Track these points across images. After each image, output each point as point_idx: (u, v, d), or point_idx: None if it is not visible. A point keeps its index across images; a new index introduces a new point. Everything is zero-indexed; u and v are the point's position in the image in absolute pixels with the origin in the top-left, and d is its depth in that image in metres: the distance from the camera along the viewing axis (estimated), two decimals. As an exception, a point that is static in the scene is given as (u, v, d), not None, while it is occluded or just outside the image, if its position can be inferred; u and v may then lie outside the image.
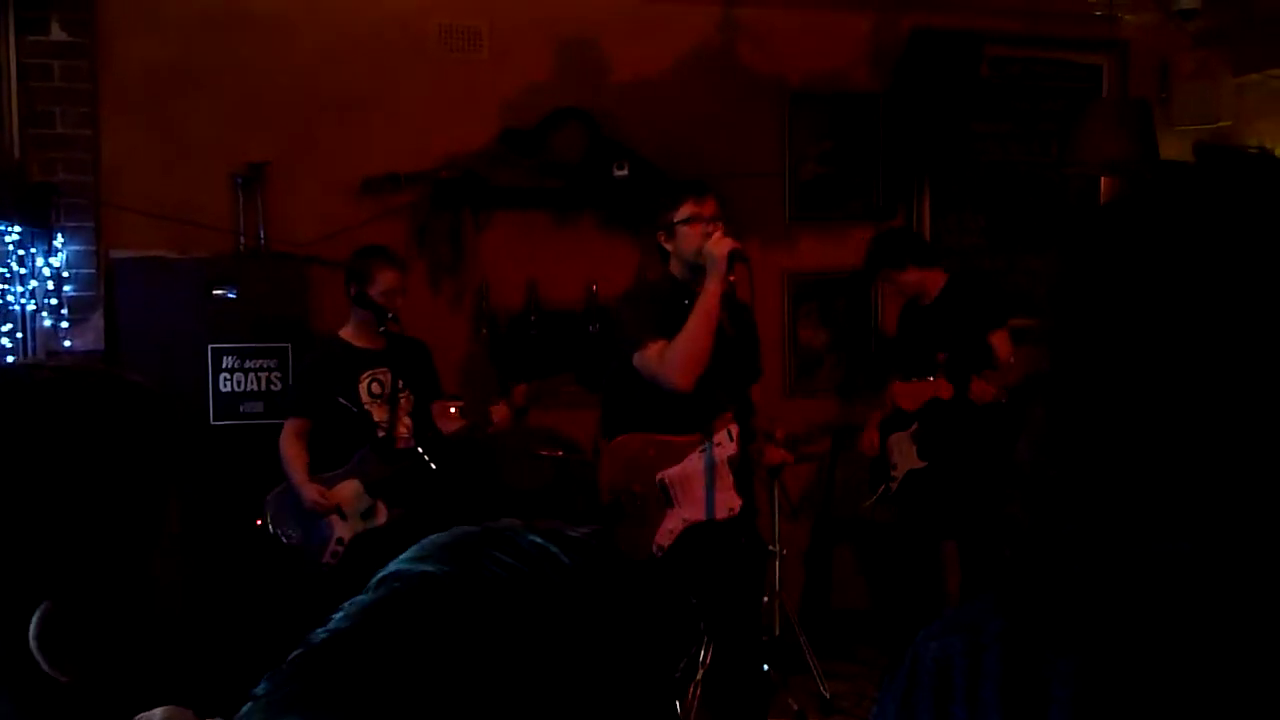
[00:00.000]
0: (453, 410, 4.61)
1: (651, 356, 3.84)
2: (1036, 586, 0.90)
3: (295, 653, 0.60)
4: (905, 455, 4.99)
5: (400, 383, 4.51)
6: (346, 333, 4.53)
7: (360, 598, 0.64)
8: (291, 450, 4.40)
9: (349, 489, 4.40)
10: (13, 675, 0.86)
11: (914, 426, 4.95)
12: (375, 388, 4.48)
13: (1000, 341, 4.91)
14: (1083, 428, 0.90)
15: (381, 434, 4.45)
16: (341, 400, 4.40)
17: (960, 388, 4.64)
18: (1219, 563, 0.83)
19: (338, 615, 0.62)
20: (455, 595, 0.61)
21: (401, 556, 0.67)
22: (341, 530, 4.39)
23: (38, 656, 0.85)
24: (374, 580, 0.67)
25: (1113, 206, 0.96)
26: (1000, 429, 4.71)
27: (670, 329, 3.83)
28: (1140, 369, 0.86)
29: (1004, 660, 0.88)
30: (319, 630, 0.61)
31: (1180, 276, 0.86)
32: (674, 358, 3.80)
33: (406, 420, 4.54)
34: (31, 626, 0.85)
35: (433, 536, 0.69)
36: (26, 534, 0.86)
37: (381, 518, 4.45)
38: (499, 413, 4.55)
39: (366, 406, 4.46)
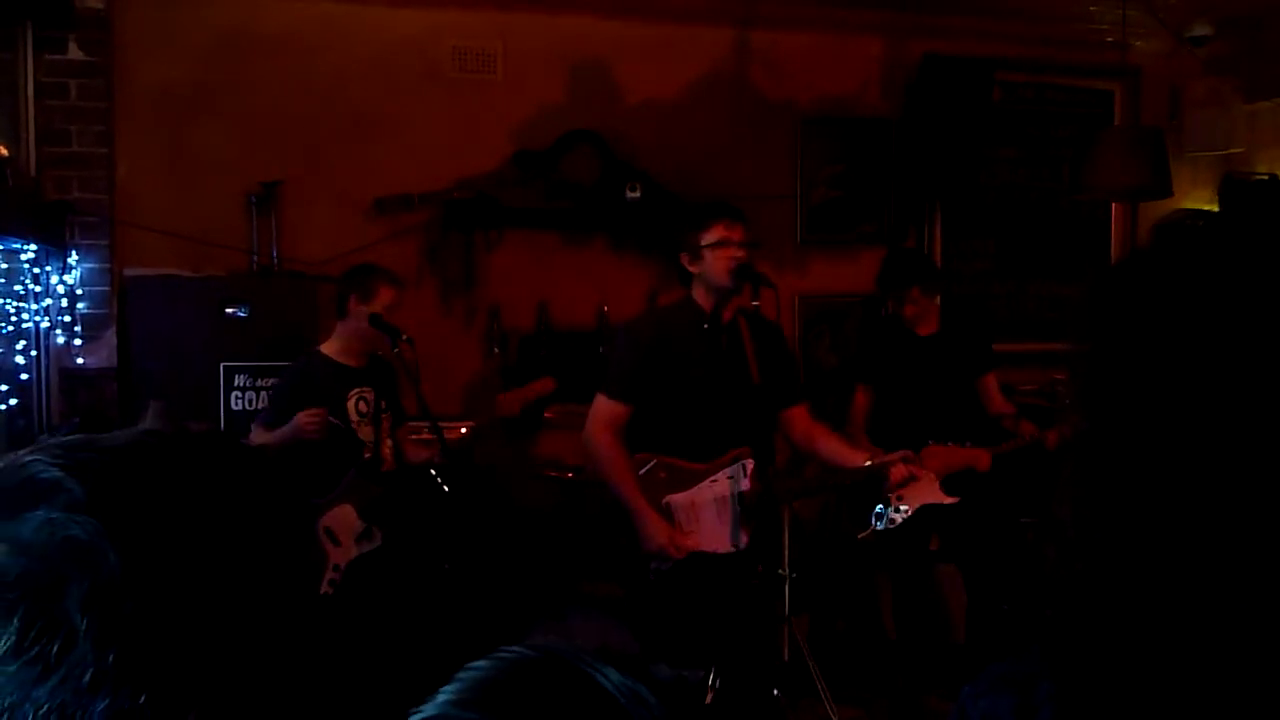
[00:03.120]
0: (425, 436, 4.54)
1: (594, 411, 3.87)
2: (1088, 648, 0.87)
3: None
4: (918, 489, 4.90)
5: (382, 403, 4.43)
6: (330, 349, 4.38)
7: None
8: None
9: (345, 515, 4.26)
10: None
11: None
12: (362, 406, 4.37)
13: (993, 385, 5.04)
14: (1125, 487, 0.86)
15: (368, 454, 4.36)
16: (332, 419, 4.25)
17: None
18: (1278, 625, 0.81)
19: None
20: None
21: (442, 697, 0.58)
22: (337, 557, 4.24)
23: None
24: None
25: (1144, 257, 0.91)
26: (1021, 464, 4.73)
27: (684, 358, 3.80)
28: (1183, 428, 0.83)
29: None
30: None
31: (1221, 330, 0.83)
32: (591, 449, 3.89)
33: (388, 441, 4.46)
34: None
35: (478, 669, 0.58)
36: (187, 630, 0.81)
37: (377, 540, 4.33)
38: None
39: (354, 425, 4.34)
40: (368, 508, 4.31)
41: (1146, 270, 0.90)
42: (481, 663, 0.62)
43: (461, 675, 0.60)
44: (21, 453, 0.85)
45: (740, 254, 3.79)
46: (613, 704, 0.57)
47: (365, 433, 4.37)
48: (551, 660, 0.58)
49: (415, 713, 0.59)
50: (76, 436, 0.87)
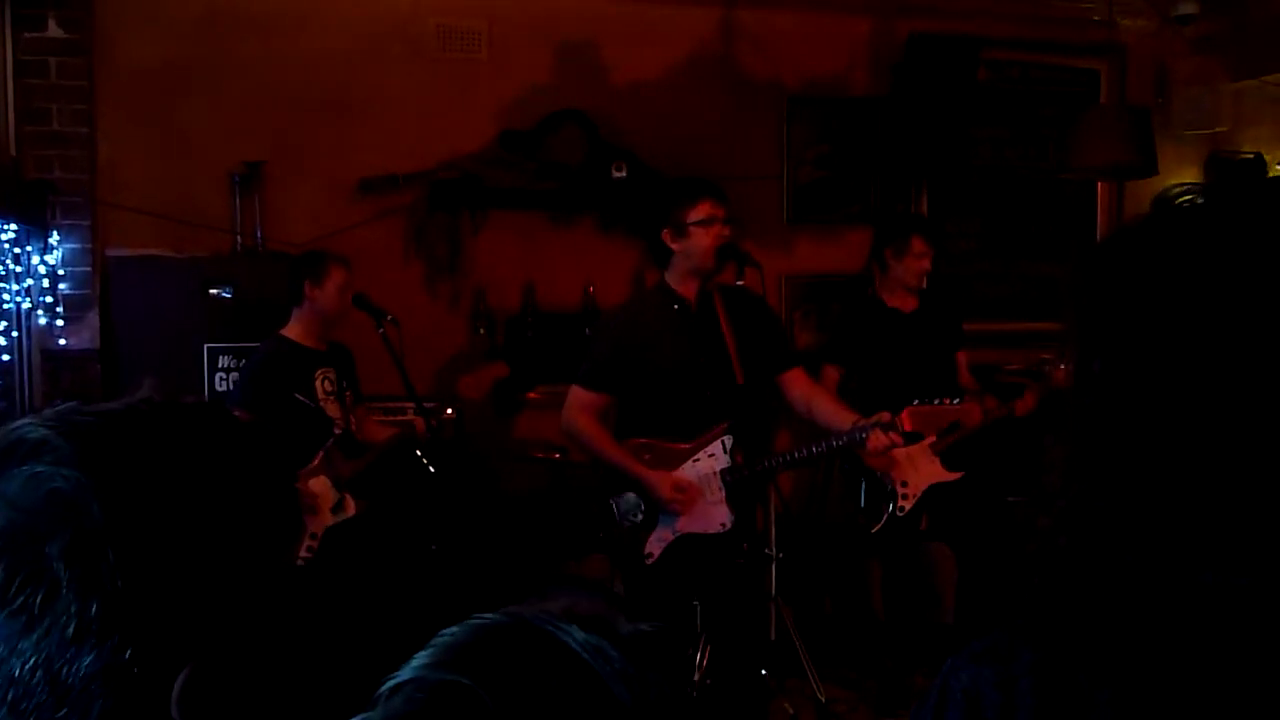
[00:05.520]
0: (402, 418, 4.72)
1: (572, 399, 3.87)
2: (1070, 616, 0.87)
3: None
4: (923, 470, 4.86)
5: (344, 382, 4.57)
6: (292, 333, 4.51)
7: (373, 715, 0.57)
8: None
9: (319, 485, 4.41)
10: None
11: (931, 438, 4.82)
12: (327, 385, 4.52)
13: (963, 363, 5.12)
14: (1117, 456, 0.86)
15: (339, 430, 4.49)
16: (299, 396, 4.41)
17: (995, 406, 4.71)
18: (1264, 596, 0.81)
19: None
20: None
21: (416, 662, 0.60)
22: (313, 525, 4.39)
23: None
24: (386, 688, 0.60)
25: (1137, 232, 0.91)
26: (1009, 442, 4.75)
27: (658, 344, 3.79)
28: (1176, 398, 0.83)
29: (1038, 692, 0.86)
30: None
31: (1213, 303, 0.83)
32: (572, 432, 3.89)
33: (352, 418, 4.60)
34: (174, 692, 0.82)
35: (450, 635, 0.61)
36: (170, 585, 0.82)
37: (351, 510, 4.48)
38: (418, 424, 4.64)
39: (321, 403, 4.48)
40: (342, 479, 4.44)
41: (1140, 242, 0.90)
42: (453, 629, 0.64)
43: (435, 642, 0.63)
44: (18, 419, 0.87)
45: (725, 231, 3.78)
46: (578, 660, 0.60)
47: (332, 410, 4.50)
48: (520, 624, 0.61)
49: (391, 679, 0.60)
50: (71, 404, 0.88)
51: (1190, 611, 0.82)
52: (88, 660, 0.79)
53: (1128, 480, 0.86)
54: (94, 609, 0.79)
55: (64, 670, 0.79)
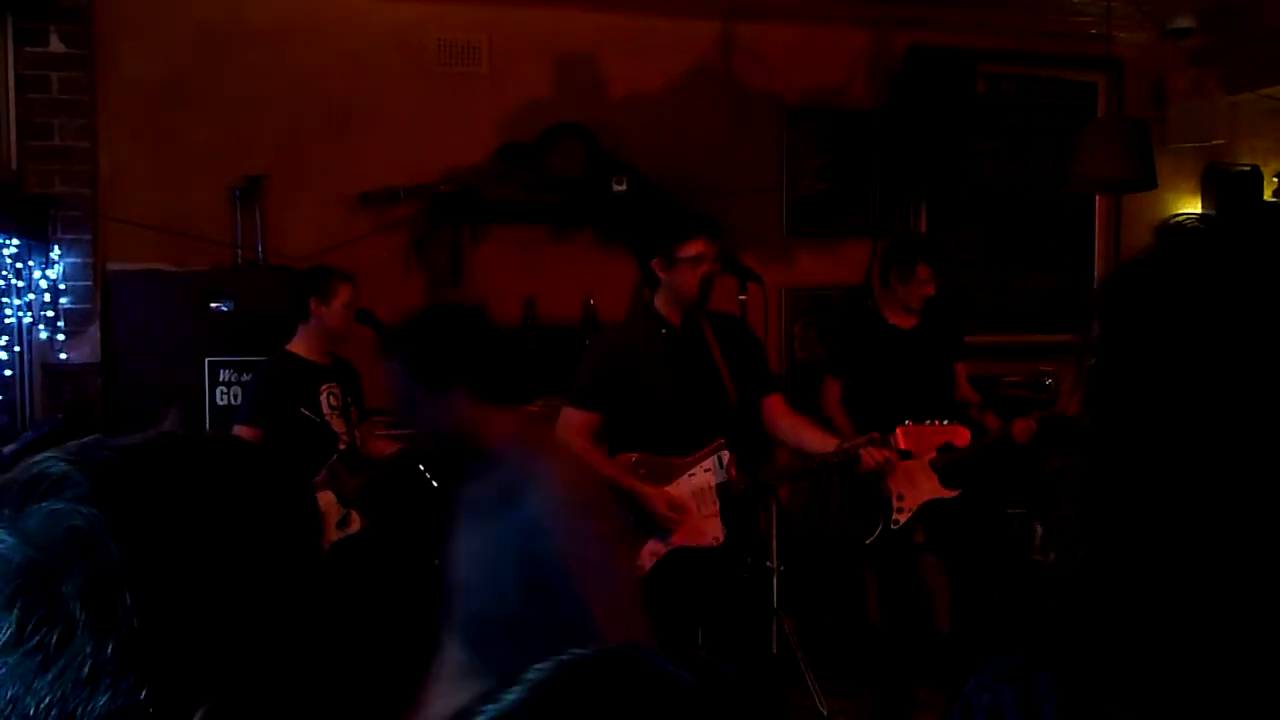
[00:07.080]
0: (383, 434, 4.71)
1: (565, 421, 3.86)
2: (1092, 638, 0.87)
3: None
4: (919, 485, 4.85)
5: (348, 398, 4.57)
6: (297, 348, 4.52)
7: None
8: None
9: (324, 500, 4.39)
10: None
11: (930, 454, 4.81)
12: (333, 400, 4.51)
13: (961, 374, 5.11)
14: (1133, 487, 0.86)
15: (344, 445, 4.48)
16: (304, 411, 4.40)
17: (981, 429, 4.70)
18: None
19: None
20: None
21: (510, 695, 0.59)
22: None
23: None
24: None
25: (1150, 260, 0.90)
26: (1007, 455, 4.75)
27: (648, 368, 3.81)
28: (1189, 427, 0.83)
29: (1061, 713, 0.86)
30: None
31: (1229, 331, 0.83)
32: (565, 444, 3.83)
33: (357, 433, 4.60)
34: None
35: (540, 671, 0.60)
36: (187, 625, 0.82)
37: (356, 526, 4.46)
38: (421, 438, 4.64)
39: (326, 418, 4.48)
40: (346, 495, 4.43)
41: (1153, 272, 0.90)
42: (541, 665, 0.63)
43: (525, 678, 0.61)
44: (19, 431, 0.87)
45: (715, 269, 3.83)
46: (687, 701, 0.59)
47: (337, 425, 4.49)
48: (624, 659, 0.60)
49: (480, 713, 0.60)
50: (93, 437, 0.88)
51: (1212, 635, 0.82)
52: (103, 700, 0.78)
53: (1143, 507, 0.86)
54: (110, 649, 0.78)
55: (79, 710, 0.78)
